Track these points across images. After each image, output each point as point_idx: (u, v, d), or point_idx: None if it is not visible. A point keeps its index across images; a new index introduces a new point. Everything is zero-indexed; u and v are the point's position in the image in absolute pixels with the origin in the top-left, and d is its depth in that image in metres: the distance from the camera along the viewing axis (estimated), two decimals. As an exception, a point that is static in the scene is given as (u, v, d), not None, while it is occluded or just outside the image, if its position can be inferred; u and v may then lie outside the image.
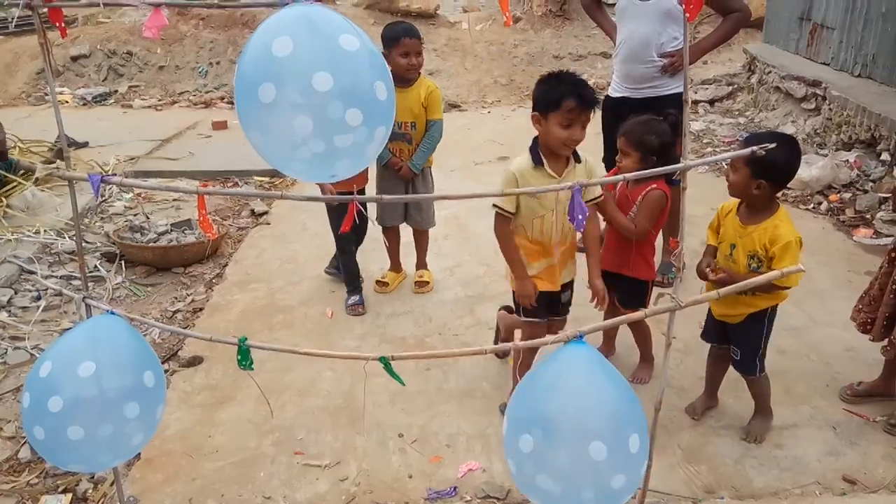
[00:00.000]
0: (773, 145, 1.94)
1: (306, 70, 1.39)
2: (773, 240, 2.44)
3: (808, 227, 4.56)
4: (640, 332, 3.04)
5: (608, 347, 3.20)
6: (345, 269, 3.82)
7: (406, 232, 3.98)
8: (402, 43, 3.42)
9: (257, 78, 1.41)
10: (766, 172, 2.39)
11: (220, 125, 7.20)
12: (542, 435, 1.54)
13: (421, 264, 4.01)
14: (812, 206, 4.92)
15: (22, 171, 5.12)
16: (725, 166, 4.25)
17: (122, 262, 4.25)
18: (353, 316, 3.69)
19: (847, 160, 5.27)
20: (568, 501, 1.59)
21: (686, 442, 2.66)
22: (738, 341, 2.63)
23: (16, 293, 3.90)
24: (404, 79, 3.50)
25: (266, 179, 5.75)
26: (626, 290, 2.93)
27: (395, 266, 4.02)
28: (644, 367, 3.07)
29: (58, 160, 5.70)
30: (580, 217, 1.75)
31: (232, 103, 8.45)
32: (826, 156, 5.44)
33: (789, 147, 2.47)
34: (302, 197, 2.22)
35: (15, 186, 5.06)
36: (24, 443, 2.74)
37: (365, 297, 3.84)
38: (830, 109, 5.80)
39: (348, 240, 3.76)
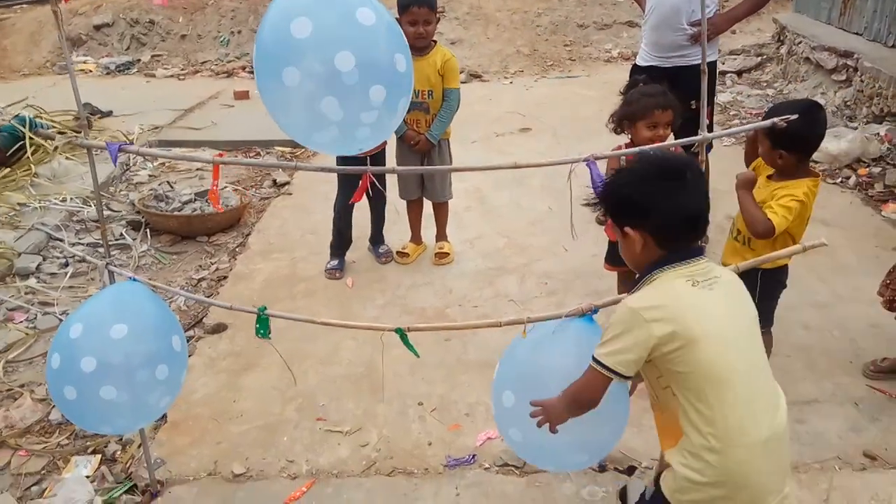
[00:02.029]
0: (795, 116, 1.91)
1: (328, 51, 1.40)
2: (774, 195, 2.43)
3: (836, 202, 4.48)
4: None
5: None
6: (335, 231, 3.85)
7: (428, 203, 3.98)
8: (410, 11, 3.40)
9: (280, 61, 1.42)
10: (784, 142, 2.37)
11: (242, 95, 7.21)
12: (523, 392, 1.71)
13: (441, 236, 4.02)
14: (840, 179, 4.83)
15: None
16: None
17: (148, 231, 4.31)
18: (330, 279, 3.77)
19: (878, 133, 5.14)
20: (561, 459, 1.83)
21: (705, 415, 2.66)
22: None
23: (44, 260, 3.99)
24: (415, 47, 3.48)
25: (288, 150, 5.77)
26: None
27: (416, 238, 4.03)
28: None
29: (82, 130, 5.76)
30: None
31: (253, 72, 8.44)
32: (856, 128, 5.32)
33: (808, 114, 2.42)
34: (320, 168, 2.24)
35: (40, 152, 5.12)
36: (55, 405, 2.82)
37: (384, 269, 3.87)
38: (862, 81, 5.65)
39: (347, 200, 3.79)
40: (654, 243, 1.58)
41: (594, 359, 1.56)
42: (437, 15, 3.55)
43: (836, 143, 4.94)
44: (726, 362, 1.52)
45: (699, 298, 1.54)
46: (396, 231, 4.12)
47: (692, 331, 1.50)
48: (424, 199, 3.95)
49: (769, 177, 2.56)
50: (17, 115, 5.27)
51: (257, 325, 1.98)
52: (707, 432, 1.51)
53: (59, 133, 5.47)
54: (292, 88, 1.43)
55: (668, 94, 2.76)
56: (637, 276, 1.65)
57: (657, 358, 1.53)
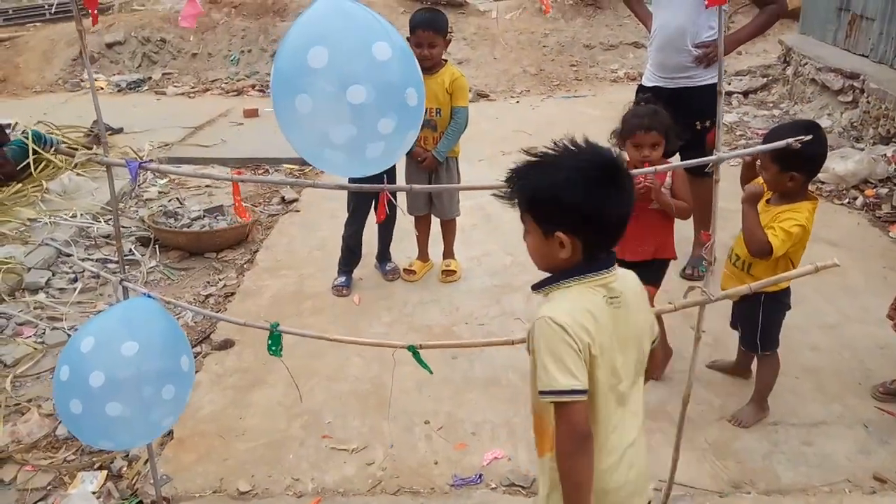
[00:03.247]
0: (809, 137, 1.92)
1: (341, 83, 1.44)
2: (777, 218, 2.43)
3: (843, 223, 4.48)
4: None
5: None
6: (345, 248, 3.87)
7: (435, 221, 3.99)
8: (416, 34, 3.48)
9: (294, 87, 1.47)
10: (796, 164, 2.38)
11: (252, 113, 7.28)
12: None
13: (448, 253, 4.03)
14: (847, 200, 4.83)
15: (52, 148, 5.23)
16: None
17: (157, 247, 4.34)
18: (337, 297, 3.78)
19: (884, 154, 5.15)
20: None
21: (714, 436, 2.65)
22: (739, 319, 2.76)
23: (53, 275, 4.01)
24: (422, 67, 3.55)
25: (296, 167, 5.80)
26: (653, 270, 2.92)
27: (423, 255, 4.04)
28: (661, 358, 3.00)
29: (94, 146, 5.83)
30: None
31: (262, 91, 8.53)
32: (863, 150, 5.33)
33: (814, 133, 2.45)
34: (332, 185, 2.24)
35: (50, 168, 5.18)
36: (62, 420, 2.83)
37: (391, 286, 3.88)
38: (868, 102, 5.67)
39: (359, 218, 3.82)
40: (581, 249, 1.44)
41: (552, 393, 1.37)
42: (448, 37, 3.60)
43: (842, 163, 4.95)
44: (612, 379, 1.46)
45: (610, 317, 1.45)
46: (403, 248, 4.14)
47: (602, 352, 1.42)
48: (432, 216, 3.97)
49: (768, 201, 2.56)
50: (24, 131, 5.34)
51: (269, 342, 1.99)
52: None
53: (72, 149, 5.54)
54: (304, 115, 1.47)
55: (658, 115, 2.77)
56: (549, 277, 1.51)
57: None
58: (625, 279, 1.52)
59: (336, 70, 1.45)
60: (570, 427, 1.38)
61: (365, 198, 3.74)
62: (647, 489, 1.61)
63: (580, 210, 1.41)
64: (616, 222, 1.45)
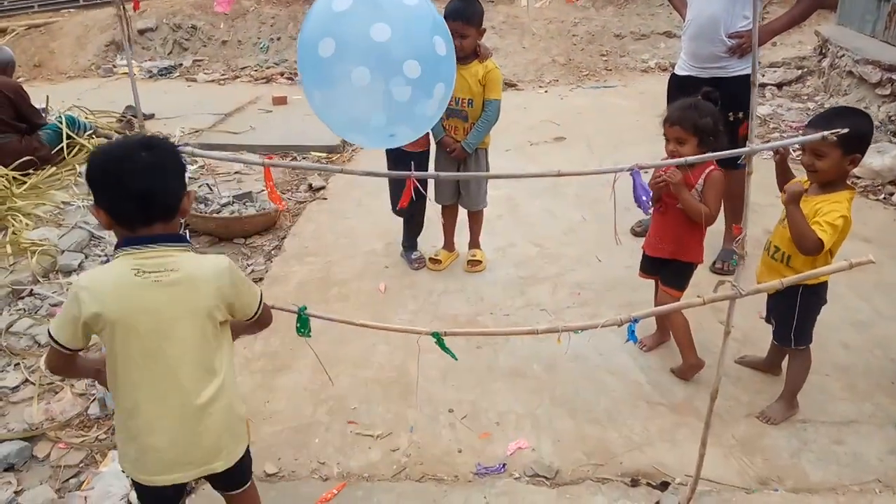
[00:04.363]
0: (846, 130, 1.89)
1: (365, 21, 1.41)
2: (818, 211, 2.41)
3: (878, 218, 4.38)
4: (675, 327, 2.92)
5: (662, 334, 3.15)
6: (405, 226, 4.02)
7: (462, 210, 3.99)
8: (447, 24, 3.45)
9: (317, 35, 1.43)
10: (859, 145, 2.38)
11: (280, 100, 7.32)
12: None
13: (474, 244, 4.02)
14: (882, 196, 4.72)
15: (85, 133, 5.33)
16: (796, 152, 4.10)
17: (187, 232, 4.39)
18: (418, 268, 3.94)
19: (923, 149, 5.02)
20: None
21: (741, 432, 2.62)
22: (774, 312, 2.72)
23: (86, 257, 4.08)
24: (457, 56, 3.54)
25: (324, 155, 5.83)
26: (672, 272, 2.89)
27: (449, 245, 4.04)
28: (683, 368, 2.94)
29: (126, 131, 5.91)
30: (644, 198, 1.74)
31: (291, 79, 8.57)
32: (900, 144, 5.20)
33: (861, 115, 2.51)
34: (361, 172, 2.25)
35: (83, 152, 5.27)
36: (94, 399, 2.89)
37: (417, 274, 3.90)
38: (908, 96, 5.53)
39: (396, 209, 3.91)
40: (116, 224, 1.64)
41: (49, 330, 1.65)
42: (482, 28, 3.57)
43: (879, 158, 4.84)
44: (144, 349, 1.63)
45: (137, 289, 1.61)
46: (429, 237, 4.14)
47: (116, 316, 1.59)
48: (459, 206, 3.96)
49: (805, 191, 2.52)
50: (58, 116, 5.43)
51: (298, 325, 2.02)
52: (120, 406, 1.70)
53: (107, 134, 5.64)
54: (326, 59, 1.43)
55: (690, 110, 2.69)
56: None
57: (98, 334, 1.64)
58: (189, 261, 1.69)
59: (361, 9, 1.41)
60: (46, 358, 1.76)
61: (400, 182, 3.77)
62: (209, 463, 1.75)
63: (90, 185, 1.64)
64: (126, 198, 1.60)
